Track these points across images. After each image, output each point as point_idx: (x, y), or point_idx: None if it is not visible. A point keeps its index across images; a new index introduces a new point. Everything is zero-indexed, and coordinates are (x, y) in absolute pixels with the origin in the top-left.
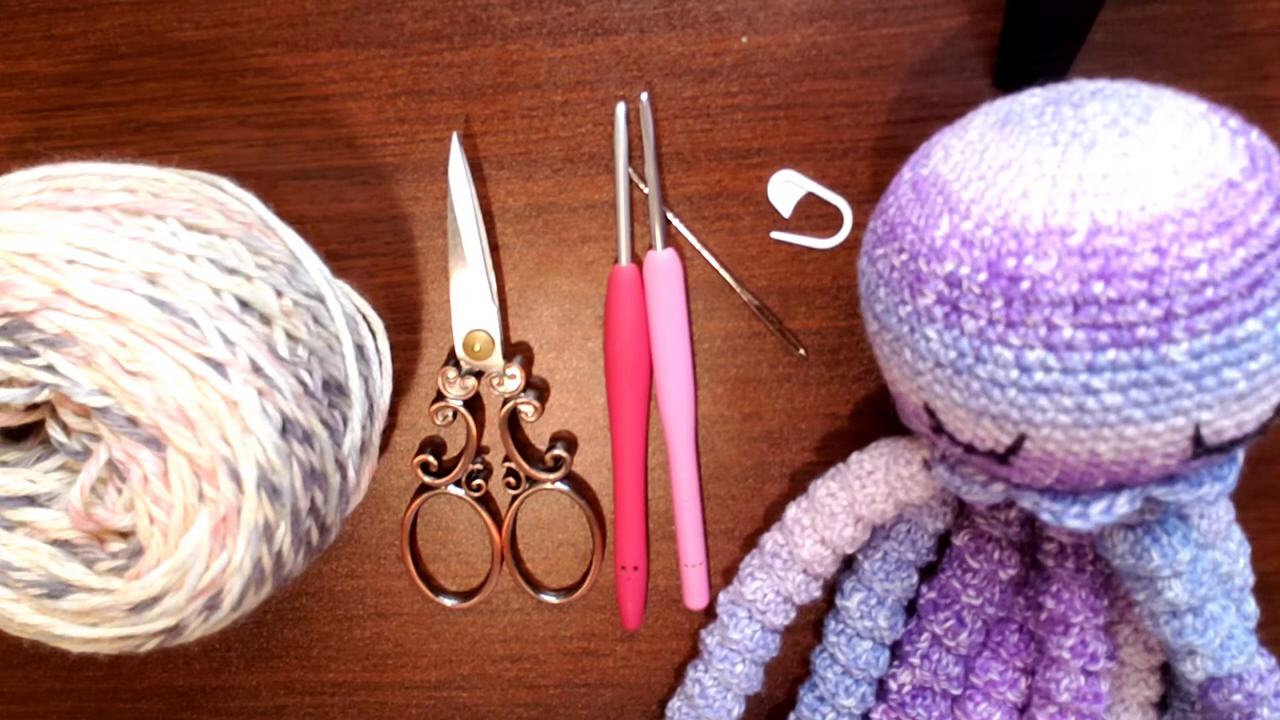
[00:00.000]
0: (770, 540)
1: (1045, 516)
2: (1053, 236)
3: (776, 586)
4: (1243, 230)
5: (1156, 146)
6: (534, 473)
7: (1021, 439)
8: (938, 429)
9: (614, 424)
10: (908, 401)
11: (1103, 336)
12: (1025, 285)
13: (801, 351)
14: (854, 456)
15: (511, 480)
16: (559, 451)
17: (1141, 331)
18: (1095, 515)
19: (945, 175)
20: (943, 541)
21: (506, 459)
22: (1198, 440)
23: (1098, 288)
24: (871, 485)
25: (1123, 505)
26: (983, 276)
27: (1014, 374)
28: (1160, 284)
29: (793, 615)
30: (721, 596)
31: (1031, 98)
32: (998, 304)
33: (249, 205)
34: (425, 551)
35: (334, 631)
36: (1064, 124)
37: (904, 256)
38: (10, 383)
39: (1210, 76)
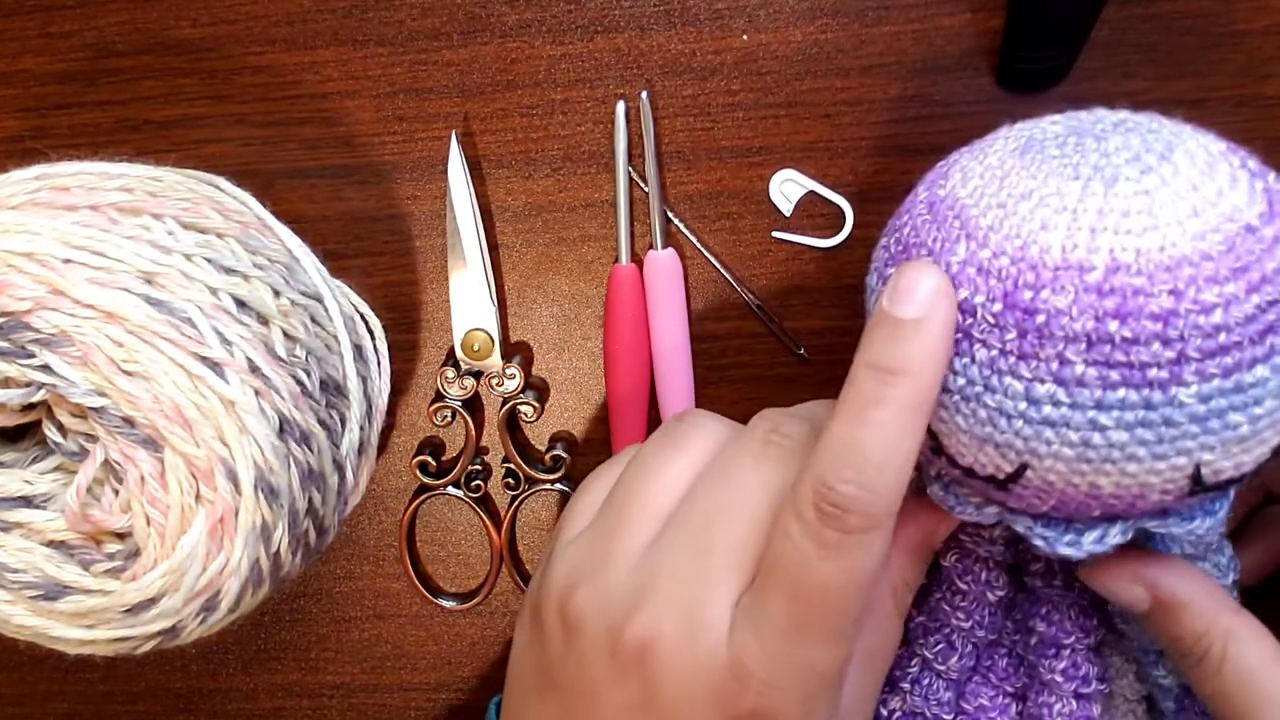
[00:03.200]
0: None
1: (1038, 543)
2: (1071, 271)
3: None
4: (1258, 276)
5: (1177, 186)
6: (533, 473)
7: (1023, 468)
8: (937, 450)
9: (614, 424)
10: None
11: (1114, 375)
12: (1040, 318)
13: (801, 351)
14: None
15: (511, 481)
16: (558, 452)
17: (1153, 372)
18: (1088, 544)
19: (963, 199)
20: (932, 567)
21: (506, 459)
22: (1196, 479)
23: (1113, 326)
24: None
25: (1115, 536)
26: (997, 306)
27: (1022, 405)
28: (1175, 326)
29: None
30: None
31: (1053, 125)
32: (1011, 335)
33: (246, 204)
34: (424, 553)
35: (332, 633)
36: (1086, 156)
37: None
38: (6, 383)
39: (1212, 75)
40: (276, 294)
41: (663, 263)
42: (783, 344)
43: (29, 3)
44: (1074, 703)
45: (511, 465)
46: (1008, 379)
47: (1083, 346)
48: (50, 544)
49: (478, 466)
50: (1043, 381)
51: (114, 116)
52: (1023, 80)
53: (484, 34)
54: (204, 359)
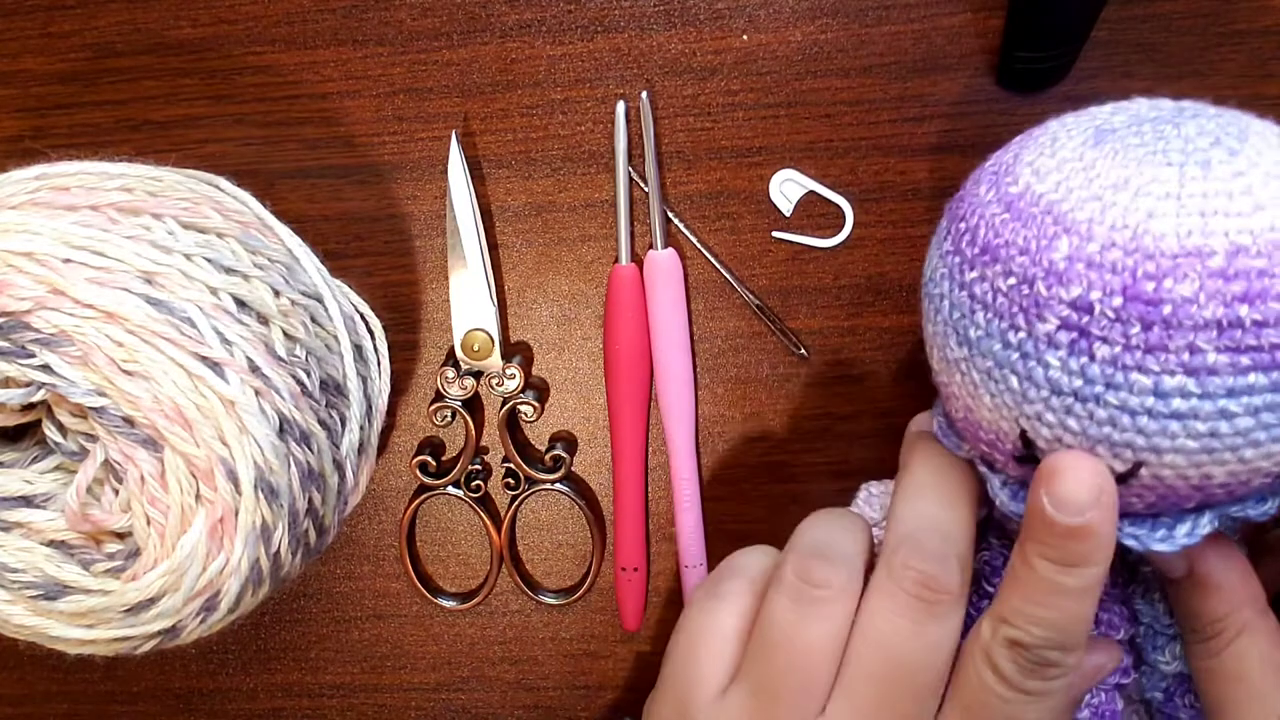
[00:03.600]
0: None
1: (1129, 542)
2: (1191, 258)
3: None
4: None
5: (1267, 166)
6: (533, 473)
7: (1138, 466)
8: (1026, 459)
9: (614, 424)
10: (989, 429)
11: (1245, 360)
12: (1167, 309)
13: (802, 351)
14: (892, 484)
15: (511, 481)
16: (558, 452)
17: None
18: (1181, 538)
19: (1046, 195)
20: None
21: (506, 459)
22: None
23: (1243, 310)
24: None
25: (1205, 526)
26: (1118, 300)
27: (1149, 401)
28: None
29: None
30: None
31: (1115, 115)
32: (1135, 329)
33: (246, 204)
34: (424, 552)
35: (332, 633)
36: (1170, 142)
37: (1012, 280)
38: (6, 383)
39: (1214, 75)
40: (276, 294)
41: (663, 263)
42: (783, 344)
43: (29, 3)
44: (1103, 695)
45: (511, 465)
46: (1134, 374)
47: (1214, 334)
48: (50, 544)
49: (478, 466)
50: (1172, 374)
51: (114, 116)
52: (1022, 80)
53: (484, 34)
54: (204, 359)
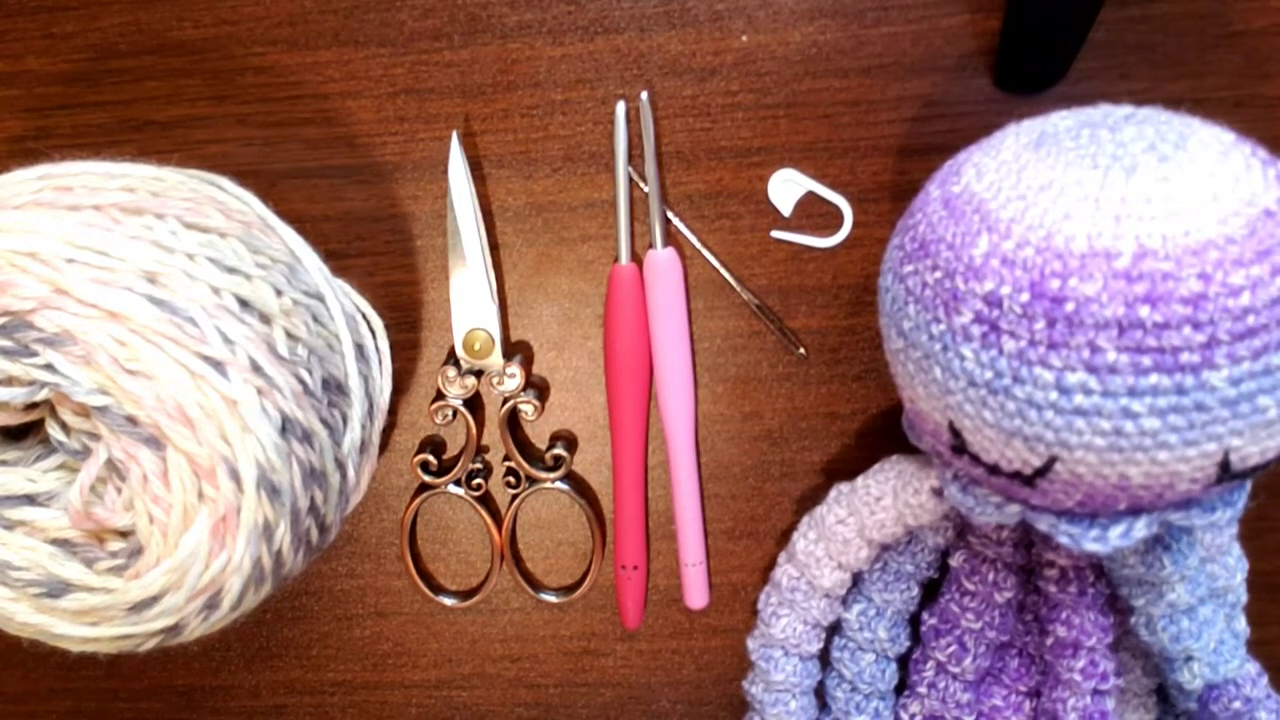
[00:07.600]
0: (784, 575)
1: (1063, 539)
2: (1098, 259)
3: (803, 618)
4: None
5: (1195, 173)
6: (534, 472)
7: (1052, 461)
8: (960, 449)
9: (614, 423)
10: (928, 420)
11: (1146, 360)
12: (1070, 307)
13: (801, 351)
14: (860, 481)
15: (511, 479)
16: (559, 451)
17: (1185, 357)
18: (1114, 539)
19: (980, 194)
20: (942, 567)
21: (506, 458)
22: (1224, 466)
23: (1143, 312)
24: (881, 511)
25: (1141, 530)
26: (1025, 297)
27: (1053, 396)
28: (1205, 310)
29: (824, 637)
30: (751, 643)
31: (1063, 120)
32: (1040, 325)
33: (248, 204)
34: (425, 551)
35: (334, 631)
36: (1102, 147)
37: (938, 274)
38: (10, 382)
39: (1211, 75)
40: (279, 293)
41: (663, 262)
42: (782, 343)
43: (32, 3)
44: (1089, 698)
45: (512, 464)
46: (1038, 369)
47: (1114, 333)
48: (53, 542)
49: (478, 465)
50: (1074, 370)
51: (117, 117)
52: (1020, 81)
53: (485, 35)
54: (206, 358)
